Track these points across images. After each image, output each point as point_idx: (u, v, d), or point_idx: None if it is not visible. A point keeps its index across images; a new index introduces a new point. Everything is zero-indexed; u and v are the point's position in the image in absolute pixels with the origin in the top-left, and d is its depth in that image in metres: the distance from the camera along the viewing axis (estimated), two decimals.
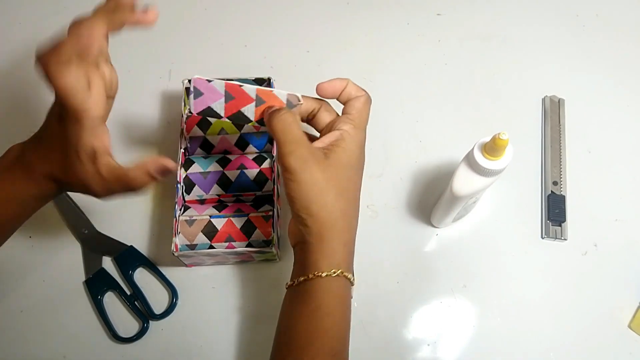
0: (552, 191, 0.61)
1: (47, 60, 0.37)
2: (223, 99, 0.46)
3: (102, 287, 0.57)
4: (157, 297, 0.57)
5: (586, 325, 0.56)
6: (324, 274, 0.40)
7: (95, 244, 0.59)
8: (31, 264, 0.58)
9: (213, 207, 0.56)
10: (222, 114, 0.46)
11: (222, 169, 0.55)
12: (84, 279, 0.58)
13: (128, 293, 0.57)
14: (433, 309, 0.57)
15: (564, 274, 0.58)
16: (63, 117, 0.39)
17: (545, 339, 0.56)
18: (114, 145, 0.53)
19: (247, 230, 0.53)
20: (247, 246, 0.54)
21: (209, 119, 0.56)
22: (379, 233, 0.59)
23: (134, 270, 0.58)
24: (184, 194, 0.56)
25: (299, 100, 0.47)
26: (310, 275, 0.41)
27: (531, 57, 0.69)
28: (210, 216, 0.54)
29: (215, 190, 0.56)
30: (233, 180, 0.55)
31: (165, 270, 0.58)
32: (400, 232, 0.60)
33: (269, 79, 0.58)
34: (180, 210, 0.55)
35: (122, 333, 0.55)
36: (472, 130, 0.63)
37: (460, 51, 0.70)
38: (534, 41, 0.70)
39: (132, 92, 0.66)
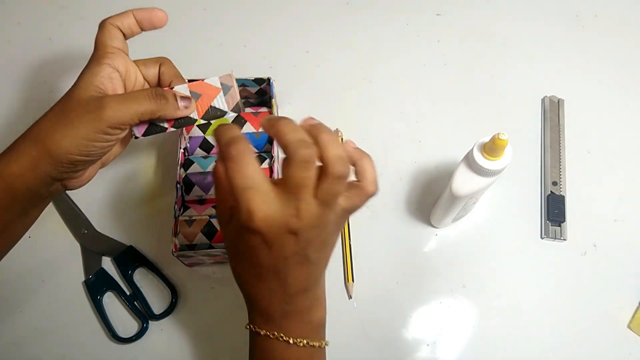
0: (551, 191, 0.61)
1: (104, 20, 0.45)
2: (222, 93, 0.46)
3: (102, 287, 0.57)
4: (156, 297, 0.57)
5: (586, 325, 0.56)
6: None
7: (95, 244, 0.59)
8: (31, 264, 0.58)
9: (212, 207, 0.56)
10: (167, 126, 0.45)
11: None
12: (83, 279, 0.58)
13: (128, 293, 0.57)
14: (432, 309, 0.57)
15: (563, 274, 0.58)
16: (88, 63, 0.44)
17: (545, 339, 0.56)
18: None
19: None
20: None
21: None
22: (378, 233, 0.60)
23: (133, 270, 0.58)
24: (184, 194, 0.56)
25: (234, 81, 0.45)
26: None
27: (531, 57, 0.69)
28: (209, 216, 0.54)
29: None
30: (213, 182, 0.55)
31: (165, 271, 0.58)
32: (399, 232, 0.60)
33: (269, 79, 0.58)
34: (180, 210, 0.55)
35: (122, 333, 0.55)
36: (471, 130, 0.63)
37: (460, 51, 0.70)
38: (533, 41, 0.71)
39: None
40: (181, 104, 0.43)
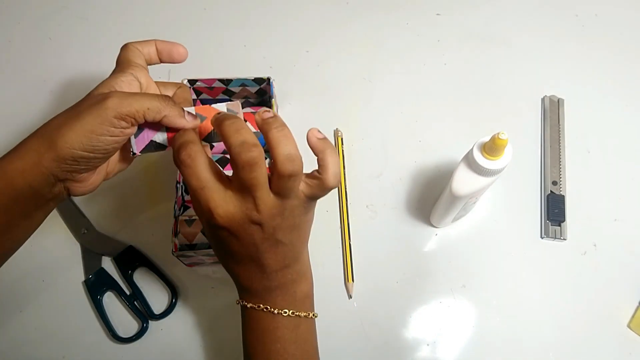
0: (551, 191, 0.61)
1: (127, 43, 0.46)
2: (165, 128, 0.42)
3: (102, 287, 0.57)
4: (156, 297, 0.57)
5: (585, 325, 0.56)
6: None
7: (95, 243, 0.59)
8: (31, 264, 0.58)
9: None
10: (167, 144, 0.43)
11: (221, 170, 0.55)
12: (83, 278, 0.58)
13: (127, 293, 0.57)
14: (432, 309, 0.57)
15: (563, 274, 0.58)
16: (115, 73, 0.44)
17: (545, 339, 0.56)
18: None
19: None
20: None
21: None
22: (378, 233, 0.60)
23: (133, 270, 0.58)
24: (184, 193, 0.56)
25: (240, 109, 0.44)
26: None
27: (531, 57, 0.70)
28: None
29: None
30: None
31: (165, 270, 0.58)
32: (399, 232, 0.60)
33: (269, 79, 0.58)
34: (180, 210, 0.55)
35: (122, 333, 0.55)
36: (471, 130, 0.63)
37: (460, 51, 0.70)
38: (533, 41, 0.71)
39: None
40: (186, 115, 0.41)
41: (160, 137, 0.42)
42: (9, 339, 0.56)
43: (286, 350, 0.43)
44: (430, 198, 0.61)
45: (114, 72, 0.44)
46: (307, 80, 0.68)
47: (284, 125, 0.38)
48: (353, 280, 0.57)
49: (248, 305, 0.44)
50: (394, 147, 0.64)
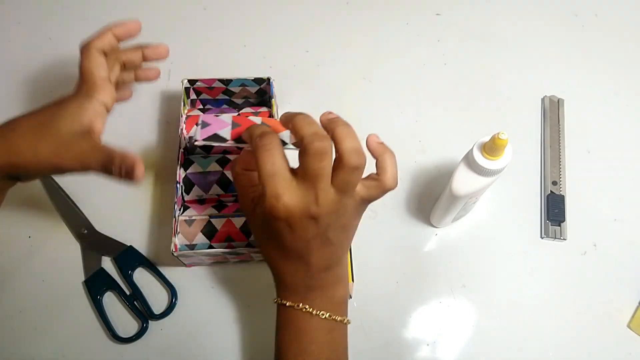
0: (551, 191, 0.61)
1: (87, 44, 0.47)
2: (229, 128, 0.46)
3: (102, 287, 0.57)
4: (156, 297, 0.57)
5: (585, 325, 0.56)
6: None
7: (95, 243, 0.59)
8: (31, 264, 0.58)
9: (212, 207, 0.56)
10: (228, 138, 0.46)
11: (221, 169, 0.56)
12: (83, 279, 0.58)
13: (127, 293, 0.57)
14: (432, 309, 0.57)
15: (563, 274, 0.58)
16: (77, 93, 0.45)
17: (545, 339, 0.56)
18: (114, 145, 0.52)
19: (247, 230, 0.53)
20: (246, 246, 0.53)
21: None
22: (378, 233, 0.59)
23: (133, 270, 0.58)
24: (184, 193, 0.56)
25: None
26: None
27: (530, 57, 0.70)
28: (209, 216, 0.54)
29: (215, 190, 0.56)
30: (232, 180, 0.55)
31: (165, 270, 0.58)
32: (399, 232, 0.60)
33: (269, 79, 0.58)
34: (180, 210, 0.55)
35: (122, 333, 0.55)
36: (471, 130, 0.63)
37: (460, 51, 0.70)
38: (533, 41, 0.71)
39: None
40: (123, 170, 0.42)
41: (224, 132, 0.46)
42: (9, 338, 0.56)
43: (321, 353, 0.44)
44: (430, 198, 0.61)
45: (80, 92, 0.45)
46: (307, 80, 0.68)
47: (348, 124, 0.40)
48: (353, 280, 0.57)
49: (287, 304, 0.44)
50: (394, 147, 0.63)
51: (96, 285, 0.57)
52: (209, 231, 0.53)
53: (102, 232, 0.59)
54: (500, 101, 0.67)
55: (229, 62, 0.68)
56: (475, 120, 0.65)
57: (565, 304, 0.57)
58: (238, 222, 0.54)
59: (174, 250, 0.52)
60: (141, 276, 0.58)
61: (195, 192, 0.56)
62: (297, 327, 0.44)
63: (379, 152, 0.43)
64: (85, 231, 0.59)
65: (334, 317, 0.44)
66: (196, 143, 0.46)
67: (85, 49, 0.46)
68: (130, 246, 0.59)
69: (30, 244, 0.59)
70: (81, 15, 0.72)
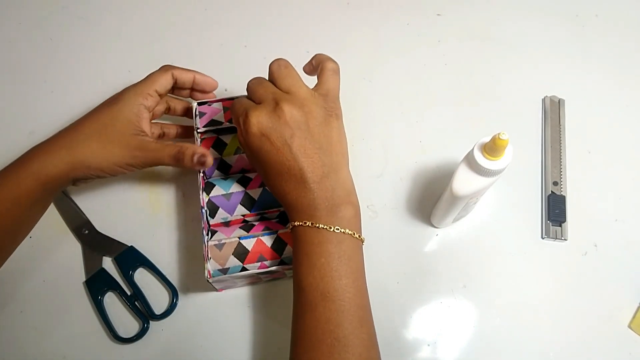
0: (552, 191, 0.61)
1: (169, 67, 0.56)
2: (222, 112, 0.56)
3: (102, 288, 0.57)
4: (157, 298, 0.57)
5: (586, 325, 0.56)
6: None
7: (96, 244, 0.59)
8: (31, 264, 0.58)
9: (240, 228, 0.54)
10: (223, 121, 0.55)
11: (244, 189, 0.54)
12: (84, 279, 0.58)
13: (128, 293, 0.57)
14: (433, 309, 0.57)
15: (564, 274, 0.58)
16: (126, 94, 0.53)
17: (545, 339, 0.56)
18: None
19: (278, 247, 0.52)
20: (279, 264, 0.52)
21: (223, 140, 0.56)
22: (378, 233, 0.59)
23: (134, 271, 0.58)
24: (209, 218, 0.54)
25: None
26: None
27: (531, 57, 0.69)
28: (239, 237, 0.52)
29: (240, 210, 0.54)
30: (256, 198, 0.54)
31: (165, 270, 0.58)
32: (400, 233, 0.60)
33: None
34: (208, 235, 0.53)
35: (123, 333, 0.55)
36: (472, 131, 0.63)
37: (460, 51, 0.70)
38: (534, 41, 0.70)
39: None
40: (196, 160, 0.51)
41: (218, 116, 0.56)
42: (10, 338, 0.56)
43: (329, 265, 0.45)
44: (431, 198, 0.61)
45: (138, 89, 0.53)
46: (307, 80, 0.68)
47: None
48: None
49: (295, 224, 0.46)
50: (395, 147, 0.64)
51: (97, 285, 0.57)
52: (241, 253, 0.51)
53: (103, 232, 0.60)
54: (501, 101, 0.67)
55: (230, 62, 0.68)
56: (475, 120, 0.65)
57: (566, 304, 0.57)
58: (268, 240, 0.52)
59: (208, 276, 0.50)
60: (142, 276, 0.58)
61: (220, 215, 0.54)
62: (305, 244, 0.46)
63: (316, 62, 0.53)
64: (86, 231, 0.59)
65: (342, 230, 0.46)
66: (199, 130, 0.55)
67: (165, 67, 0.55)
68: (131, 246, 0.59)
69: (31, 244, 0.59)
70: (81, 16, 0.72)
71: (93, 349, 0.55)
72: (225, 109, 0.56)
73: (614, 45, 0.70)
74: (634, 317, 0.56)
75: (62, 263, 0.58)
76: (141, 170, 0.54)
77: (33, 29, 0.71)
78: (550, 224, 0.60)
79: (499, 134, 0.44)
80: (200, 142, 0.56)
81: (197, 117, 0.56)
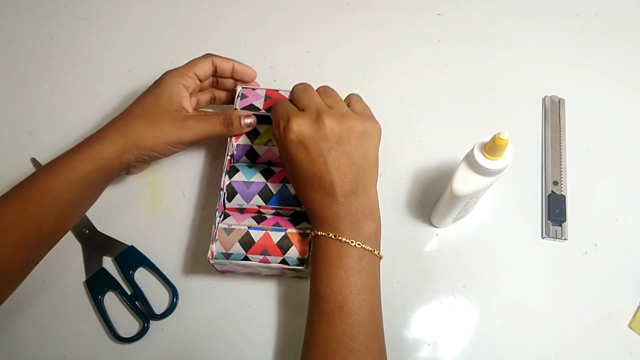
0: (552, 191, 0.61)
1: (210, 55, 0.59)
2: (262, 99, 0.56)
3: (103, 287, 0.57)
4: (157, 297, 0.57)
5: (586, 325, 0.56)
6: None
7: (96, 243, 0.59)
8: None
9: (252, 217, 0.55)
10: (261, 108, 0.56)
11: (265, 181, 0.55)
12: (84, 278, 0.58)
13: (128, 293, 0.57)
14: (433, 309, 0.57)
15: (564, 274, 0.58)
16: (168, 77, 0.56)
17: (545, 339, 0.56)
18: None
19: (284, 245, 0.52)
20: (281, 262, 0.52)
21: (257, 128, 0.57)
22: None
23: (134, 270, 0.58)
24: (225, 201, 0.55)
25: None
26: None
27: (531, 57, 0.69)
28: (248, 227, 0.53)
29: (256, 200, 0.55)
30: (275, 193, 0.55)
31: (166, 270, 0.58)
32: (400, 232, 0.60)
33: None
34: (220, 217, 0.54)
35: (123, 333, 0.55)
36: (472, 130, 0.63)
37: (460, 51, 0.70)
38: (534, 41, 0.70)
39: (132, 92, 0.66)
40: (244, 122, 0.54)
41: (258, 102, 0.56)
42: (10, 338, 0.56)
43: (349, 279, 0.46)
44: (431, 198, 0.61)
45: (179, 71, 0.56)
46: (308, 80, 0.68)
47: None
48: None
49: (319, 233, 0.48)
50: (395, 147, 0.64)
51: (97, 285, 0.57)
52: (247, 242, 0.52)
53: (103, 232, 0.59)
54: (501, 101, 0.67)
55: None
56: (476, 120, 0.65)
57: (566, 304, 0.57)
58: (276, 236, 0.52)
59: (210, 257, 0.51)
60: (142, 276, 0.58)
61: (237, 200, 0.55)
62: (327, 254, 0.47)
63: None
64: (87, 231, 0.59)
65: (363, 246, 0.47)
66: (236, 111, 0.55)
67: (206, 55, 0.58)
68: (131, 246, 0.59)
69: None
70: (81, 16, 0.72)
71: (93, 349, 0.55)
72: (267, 97, 0.56)
73: (614, 45, 0.70)
74: (634, 317, 0.56)
75: (62, 263, 0.58)
76: (188, 147, 0.55)
77: (33, 29, 0.71)
78: (551, 223, 0.60)
79: (499, 133, 0.44)
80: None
81: (238, 99, 0.56)
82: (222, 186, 0.54)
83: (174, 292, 0.57)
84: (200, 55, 0.58)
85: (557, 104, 0.66)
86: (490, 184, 0.49)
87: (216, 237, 0.52)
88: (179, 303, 0.57)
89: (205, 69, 0.56)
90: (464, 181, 0.49)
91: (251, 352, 0.55)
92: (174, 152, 0.55)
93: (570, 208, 0.61)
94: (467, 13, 0.72)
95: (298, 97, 0.51)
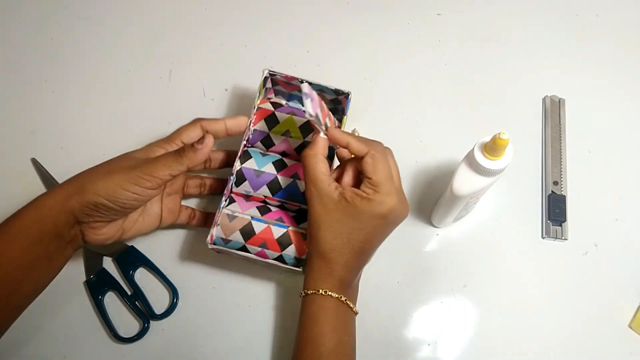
0: (552, 191, 0.61)
1: (198, 120, 0.53)
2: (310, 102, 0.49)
3: (103, 287, 0.57)
4: (157, 297, 0.57)
5: (586, 325, 0.56)
6: (309, 292, 0.49)
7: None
8: None
9: (257, 207, 0.55)
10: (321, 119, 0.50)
11: (275, 173, 0.55)
12: (84, 279, 0.58)
13: (129, 293, 0.57)
14: (433, 309, 0.57)
15: (564, 274, 0.58)
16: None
17: (546, 339, 0.56)
18: (114, 145, 0.53)
19: (283, 242, 0.52)
20: (278, 258, 0.52)
21: (277, 117, 0.56)
22: None
23: (134, 270, 0.58)
24: (233, 185, 0.55)
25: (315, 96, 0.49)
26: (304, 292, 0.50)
27: (531, 57, 0.69)
28: (251, 217, 0.53)
29: (263, 191, 0.55)
30: (283, 187, 0.55)
31: (166, 270, 0.58)
32: (400, 232, 0.59)
33: (348, 94, 0.57)
34: (226, 201, 0.54)
35: (123, 333, 0.55)
36: (472, 130, 0.63)
37: (460, 51, 0.70)
38: (534, 41, 0.71)
39: (131, 91, 0.67)
40: (198, 147, 0.47)
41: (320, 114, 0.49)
42: (10, 338, 0.55)
43: (349, 343, 0.50)
44: (431, 198, 0.61)
45: (167, 138, 0.51)
46: (308, 80, 0.68)
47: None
48: None
49: (342, 299, 0.49)
50: (395, 147, 0.64)
51: (97, 285, 0.57)
52: (247, 232, 0.52)
53: None
54: (501, 101, 0.67)
55: (230, 62, 0.68)
56: (476, 120, 0.65)
57: (566, 303, 0.57)
58: (277, 232, 0.52)
59: (209, 241, 0.52)
60: (142, 276, 0.58)
61: (244, 187, 0.55)
62: (341, 319, 0.49)
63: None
64: None
65: (356, 310, 0.50)
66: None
67: (195, 122, 0.53)
68: (132, 246, 0.59)
69: None
70: (81, 16, 0.72)
71: (93, 348, 0.55)
72: (308, 98, 0.47)
73: (615, 45, 0.70)
74: (634, 317, 0.56)
75: None
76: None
77: (33, 29, 0.71)
78: (551, 223, 0.60)
79: (499, 133, 0.44)
80: (256, 111, 0.57)
81: (308, 100, 0.46)
82: (232, 171, 0.54)
83: (174, 292, 0.57)
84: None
85: (557, 104, 0.66)
86: (490, 184, 0.49)
87: (218, 222, 0.53)
88: (179, 303, 0.57)
89: (192, 135, 0.51)
90: (464, 181, 0.49)
91: (251, 352, 0.55)
92: (126, 198, 0.46)
93: (571, 208, 0.61)
94: (467, 13, 0.72)
95: (384, 165, 0.49)
